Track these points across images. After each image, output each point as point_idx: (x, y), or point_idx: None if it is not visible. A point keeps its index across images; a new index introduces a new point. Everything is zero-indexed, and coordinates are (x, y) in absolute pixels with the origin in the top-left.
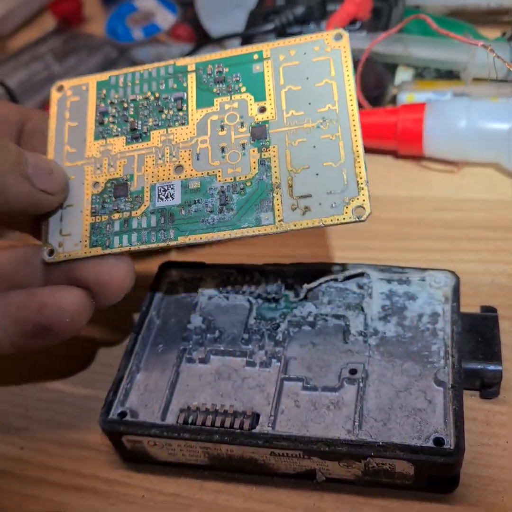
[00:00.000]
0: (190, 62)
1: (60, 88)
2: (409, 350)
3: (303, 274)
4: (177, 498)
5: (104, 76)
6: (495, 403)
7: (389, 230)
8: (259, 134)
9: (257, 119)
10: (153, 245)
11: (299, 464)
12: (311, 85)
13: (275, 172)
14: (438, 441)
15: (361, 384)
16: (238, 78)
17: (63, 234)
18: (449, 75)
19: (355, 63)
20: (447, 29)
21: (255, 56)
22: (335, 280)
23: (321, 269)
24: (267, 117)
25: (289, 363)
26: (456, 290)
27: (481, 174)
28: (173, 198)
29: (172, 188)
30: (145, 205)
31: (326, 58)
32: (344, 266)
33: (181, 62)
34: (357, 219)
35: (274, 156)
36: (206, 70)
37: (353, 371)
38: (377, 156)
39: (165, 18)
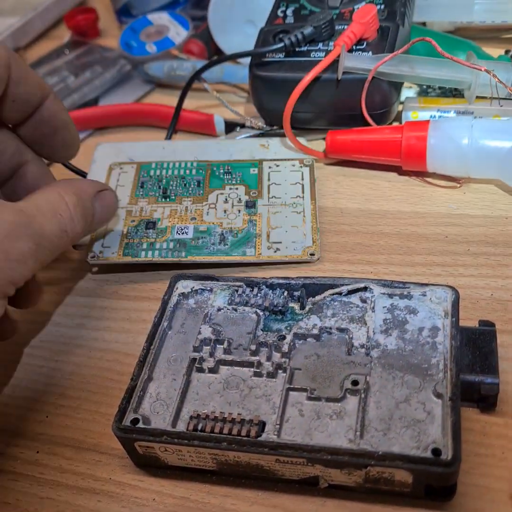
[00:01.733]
0: (208, 162)
1: (116, 165)
2: (409, 363)
3: (309, 288)
4: (186, 502)
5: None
6: (492, 415)
7: (393, 244)
8: (250, 205)
9: (250, 197)
10: (168, 259)
11: (303, 470)
12: (288, 184)
13: (259, 227)
14: (436, 452)
15: (362, 395)
16: (240, 175)
17: (104, 246)
18: (453, 92)
19: (362, 82)
20: (452, 48)
21: (252, 165)
22: (339, 293)
23: (326, 283)
24: (257, 197)
25: (294, 373)
26: (455, 305)
27: (483, 191)
28: (187, 234)
29: (187, 229)
30: (166, 236)
31: (299, 171)
32: (348, 280)
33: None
34: (310, 259)
35: (259, 219)
36: (219, 168)
37: (355, 383)
38: (382, 172)
39: (178, 33)
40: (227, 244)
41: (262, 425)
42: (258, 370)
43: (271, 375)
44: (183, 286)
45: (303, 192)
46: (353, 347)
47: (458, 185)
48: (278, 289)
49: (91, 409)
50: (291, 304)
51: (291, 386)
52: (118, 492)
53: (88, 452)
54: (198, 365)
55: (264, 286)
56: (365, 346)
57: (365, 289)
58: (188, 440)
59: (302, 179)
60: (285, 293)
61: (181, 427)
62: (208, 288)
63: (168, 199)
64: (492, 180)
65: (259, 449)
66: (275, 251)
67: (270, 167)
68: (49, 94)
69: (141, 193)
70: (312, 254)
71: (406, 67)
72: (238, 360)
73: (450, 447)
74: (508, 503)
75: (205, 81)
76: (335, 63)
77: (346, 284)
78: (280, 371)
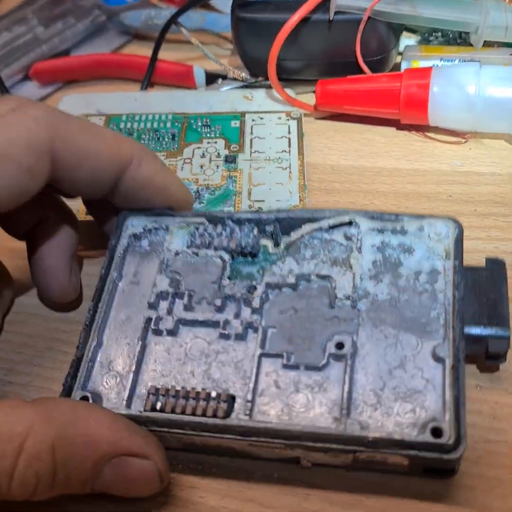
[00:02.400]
0: (184, 115)
1: (82, 117)
2: (404, 317)
3: (283, 223)
4: None
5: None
6: (503, 395)
7: (390, 204)
8: (230, 160)
9: (230, 152)
10: None
11: (281, 453)
12: (273, 138)
13: (239, 184)
14: (436, 432)
15: (349, 362)
16: (219, 128)
17: None
18: (458, 40)
19: (357, 23)
20: None
21: (234, 117)
22: (319, 229)
23: (303, 217)
24: (237, 151)
25: (267, 333)
26: (459, 242)
27: (491, 146)
28: None
29: None
30: None
31: (286, 124)
32: (329, 212)
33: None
34: None
35: (240, 175)
36: (197, 120)
37: (340, 345)
38: (378, 127)
39: None
40: (203, 202)
41: (231, 400)
42: (224, 332)
43: (240, 337)
44: (134, 225)
45: (289, 146)
46: (337, 298)
47: (463, 140)
48: (246, 225)
49: (43, 386)
50: (263, 242)
51: (265, 352)
52: None
53: None
54: (154, 327)
55: (230, 222)
56: (350, 298)
57: (350, 223)
58: (145, 425)
59: (289, 132)
60: (255, 231)
61: (137, 404)
62: (164, 227)
63: None
64: (501, 135)
65: (228, 435)
66: (257, 210)
67: (253, 120)
68: (131, 160)
69: None
70: None
71: (407, 6)
72: (201, 319)
73: (453, 427)
74: None
75: (183, 27)
76: (326, 2)
77: (327, 217)
78: (250, 331)
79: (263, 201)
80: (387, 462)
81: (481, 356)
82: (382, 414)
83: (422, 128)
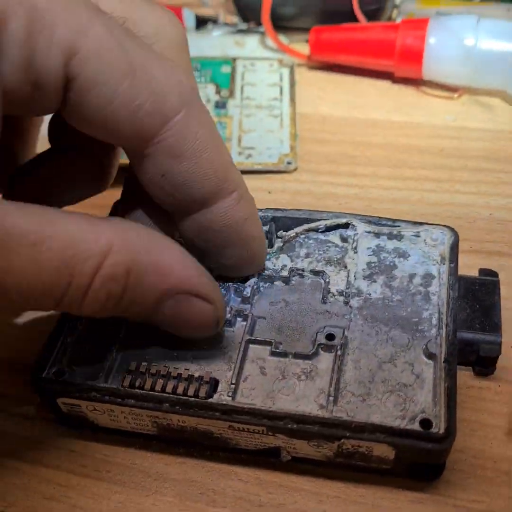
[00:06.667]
0: None
1: None
2: (396, 316)
3: (279, 222)
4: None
5: None
6: (489, 379)
7: (382, 156)
8: (220, 105)
9: (220, 97)
10: None
11: (262, 440)
12: (264, 85)
13: (229, 131)
14: (426, 423)
15: (339, 353)
16: (210, 73)
17: None
18: None
19: None
20: None
21: (225, 62)
22: (316, 230)
23: (300, 217)
24: (228, 97)
25: (256, 323)
26: (454, 248)
27: (485, 102)
28: None
29: None
30: None
31: (278, 71)
32: (326, 215)
33: None
34: (286, 168)
35: (230, 121)
36: None
37: (330, 337)
38: (372, 79)
39: None
40: None
41: (214, 383)
42: None
43: (229, 323)
44: None
45: (281, 94)
46: (330, 293)
47: (456, 95)
48: None
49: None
50: None
51: (252, 338)
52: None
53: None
54: None
55: None
56: (344, 293)
57: (346, 225)
58: (122, 399)
59: (281, 80)
60: None
61: (115, 382)
62: None
63: None
64: (496, 92)
65: (209, 413)
66: (247, 158)
67: (244, 66)
68: (231, 192)
69: None
70: (289, 163)
71: None
72: None
73: (443, 418)
74: (504, 439)
75: None
76: None
77: (325, 219)
78: (239, 319)
79: (253, 148)
80: (372, 456)
81: (469, 363)
82: (370, 405)
83: (416, 82)
